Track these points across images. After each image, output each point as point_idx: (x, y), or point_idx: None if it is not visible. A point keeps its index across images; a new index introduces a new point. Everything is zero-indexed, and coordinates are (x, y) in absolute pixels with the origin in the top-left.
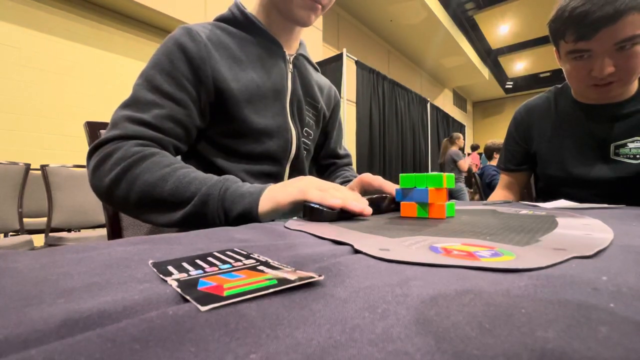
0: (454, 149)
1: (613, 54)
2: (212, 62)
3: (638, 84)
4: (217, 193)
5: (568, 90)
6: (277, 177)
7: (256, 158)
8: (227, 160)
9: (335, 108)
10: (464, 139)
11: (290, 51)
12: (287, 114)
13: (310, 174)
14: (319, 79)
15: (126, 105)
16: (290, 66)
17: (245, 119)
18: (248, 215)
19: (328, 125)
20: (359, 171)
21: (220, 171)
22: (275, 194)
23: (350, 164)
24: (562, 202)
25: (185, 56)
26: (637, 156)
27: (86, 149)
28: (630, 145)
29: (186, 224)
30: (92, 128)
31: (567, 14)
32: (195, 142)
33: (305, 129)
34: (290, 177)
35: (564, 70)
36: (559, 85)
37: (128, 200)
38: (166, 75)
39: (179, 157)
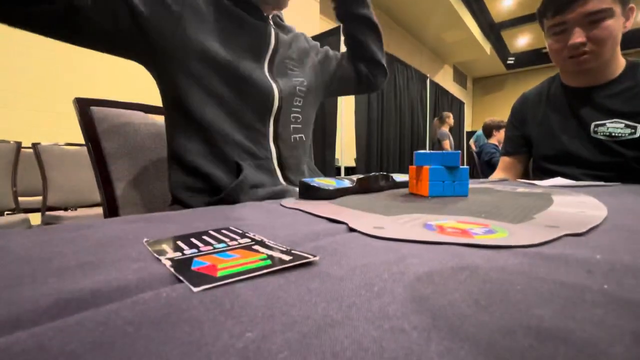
0: (443, 129)
1: (585, 27)
2: (193, 3)
3: (623, 68)
4: None
5: (558, 78)
6: (260, 131)
7: (239, 107)
8: (216, 109)
9: (322, 50)
10: (463, 117)
11: (267, 11)
12: (265, 67)
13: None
14: (297, 35)
15: None
16: (271, 24)
17: (221, 62)
18: None
19: (330, 62)
20: (358, 151)
21: (207, 125)
22: None
23: None
24: (559, 180)
25: None
26: (613, 134)
27: (77, 126)
28: (609, 125)
29: None
30: (82, 104)
31: None
32: (187, 92)
33: (297, 86)
34: (275, 133)
35: (548, 48)
36: (553, 76)
37: None
38: None
39: None
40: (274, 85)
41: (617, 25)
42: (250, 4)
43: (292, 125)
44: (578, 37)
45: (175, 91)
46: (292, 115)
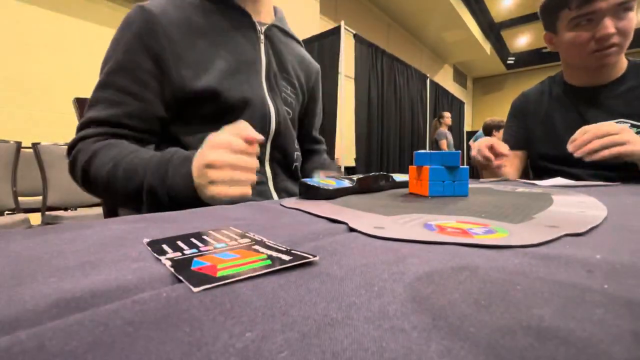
0: (441, 129)
1: (614, 17)
2: (174, 49)
3: (626, 67)
4: (159, 184)
5: (560, 78)
6: (258, 157)
7: None
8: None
9: (315, 87)
10: (463, 116)
11: (259, 19)
12: (263, 86)
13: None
14: (300, 52)
15: (89, 107)
16: (262, 37)
17: (218, 94)
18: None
19: (308, 106)
20: (358, 151)
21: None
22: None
23: (325, 150)
24: (559, 180)
25: (143, 46)
26: None
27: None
28: None
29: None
30: (82, 104)
31: None
32: (176, 129)
33: (285, 108)
34: (271, 156)
35: (562, 45)
36: (553, 75)
37: (103, 195)
38: (123, 72)
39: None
40: (272, 106)
41: (635, 19)
42: (237, 9)
43: (295, 153)
44: (610, 27)
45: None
46: (294, 142)
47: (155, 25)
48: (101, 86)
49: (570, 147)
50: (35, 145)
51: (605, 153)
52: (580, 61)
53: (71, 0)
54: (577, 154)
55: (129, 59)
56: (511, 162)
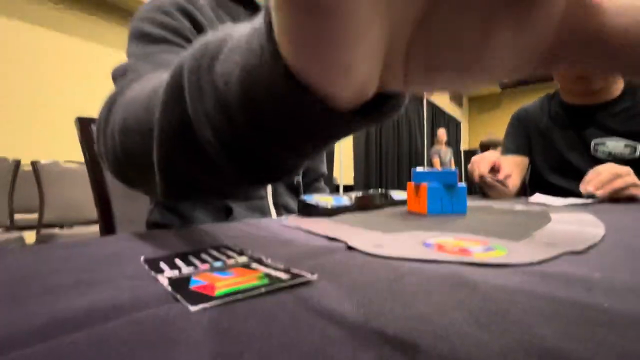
0: (435, 147)
1: None
2: (206, 21)
3: (623, 87)
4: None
5: (558, 95)
6: None
7: None
8: None
9: None
10: (460, 135)
11: None
12: None
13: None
14: None
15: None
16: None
17: None
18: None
19: None
20: (356, 167)
21: None
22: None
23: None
24: (558, 200)
25: (181, 10)
26: (612, 153)
27: (77, 144)
28: (608, 143)
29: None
30: (84, 124)
31: None
32: None
33: None
34: None
35: None
36: (551, 92)
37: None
38: (159, 25)
39: None
40: None
41: None
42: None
43: None
44: None
45: None
46: None
47: None
48: (140, 57)
49: (589, 187)
50: (34, 163)
51: (625, 193)
52: (569, 86)
53: (73, 20)
54: (599, 194)
55: (171, 20)
56: (512, 171)
